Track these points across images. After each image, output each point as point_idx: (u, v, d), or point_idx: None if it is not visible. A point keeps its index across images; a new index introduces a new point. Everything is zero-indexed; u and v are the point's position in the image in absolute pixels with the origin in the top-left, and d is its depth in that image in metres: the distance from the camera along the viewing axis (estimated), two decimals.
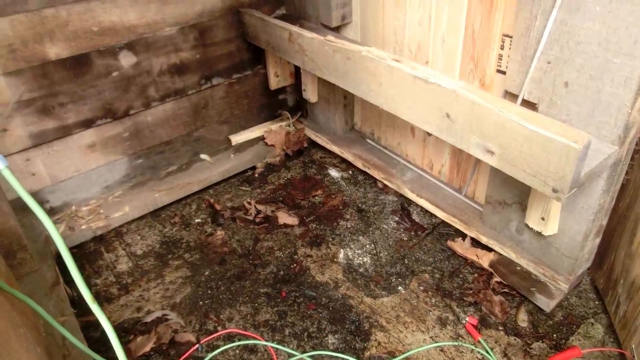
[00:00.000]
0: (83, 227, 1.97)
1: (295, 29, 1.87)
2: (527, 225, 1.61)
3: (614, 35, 1.20)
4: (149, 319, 1.66)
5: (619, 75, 1.23)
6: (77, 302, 1.67)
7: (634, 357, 1.41)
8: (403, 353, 1.53)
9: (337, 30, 2.08)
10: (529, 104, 1.45)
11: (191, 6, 2.01)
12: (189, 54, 2.09)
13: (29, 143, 1.83)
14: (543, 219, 1.53)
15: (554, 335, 1.58)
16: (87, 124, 1.94)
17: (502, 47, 1.56)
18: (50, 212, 1.98)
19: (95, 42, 1.84)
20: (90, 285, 1.80)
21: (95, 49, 1.84)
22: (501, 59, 1.58)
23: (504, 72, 1.58)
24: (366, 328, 1.62)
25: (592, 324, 1.61)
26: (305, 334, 1.60)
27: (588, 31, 1.24)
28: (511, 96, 1.50)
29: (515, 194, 1.63)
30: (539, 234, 1.59)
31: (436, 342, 1.57)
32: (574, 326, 1.60)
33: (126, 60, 1.93)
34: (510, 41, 1.50)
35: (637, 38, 1.16)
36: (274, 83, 2.35)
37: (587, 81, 1.30)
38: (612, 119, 1.29)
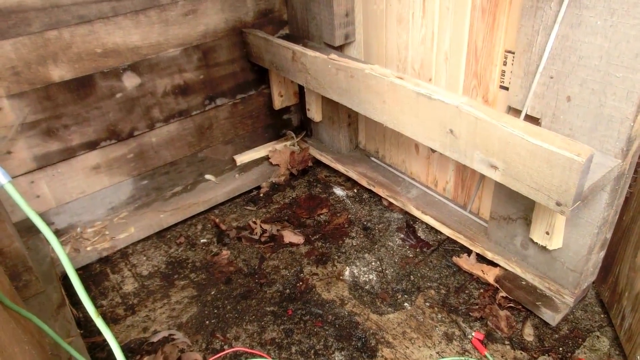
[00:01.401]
0: (88, 248, 1.97)
1: (298, 48, 1.90)
2: (531, 240, 1.61)
3: (616, 49, 1.22)
4: (155, 338, 1.65)
5: (621, 89, 1.25)
6: (83, 324, 1.66)
7: None
8: None
9: (340, 49, 2.11)
10: (532, 119, 1.47)
11: (194, 27, 2.04)
12: (192, 75, 2.11)
13: (33, 165, 1.84)
14: (548, 233, 1.53)
15: (560, 348, 1.57)
16: (92, 145, 1.95)
17: (504, 64, 1.58)
18: (56, 234, 1.98)
19: (99, 63, 1.86)
20: (96, 307, 1.79)
21: (99, 71, 1.87)
22: (504, 75, 1.60)
23: (507, 88, 1.60)
24: (373, 344, 1.61)
25: (598, 337, 1.60)
26: (312, 352, 1.59)
27: (590, 45, 1.26)
28: (514, 112, 1.52)
29: (520, 209, 1.63)
30: (543, 248, 1.59)
31: (443, 358, 1.56)
32: (580, 339, 1.60)
33: (130, 81, 1.96)
34: (513, 57, 1.52)
35: (638, 51, 1.18)
36: (278, 103, 2.37)
37: (590, 95, 1.31)
38: (615, 132, 1.31)
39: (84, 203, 2.03)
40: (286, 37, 2.21)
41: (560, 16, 1.29)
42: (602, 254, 1.63)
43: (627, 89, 1.24)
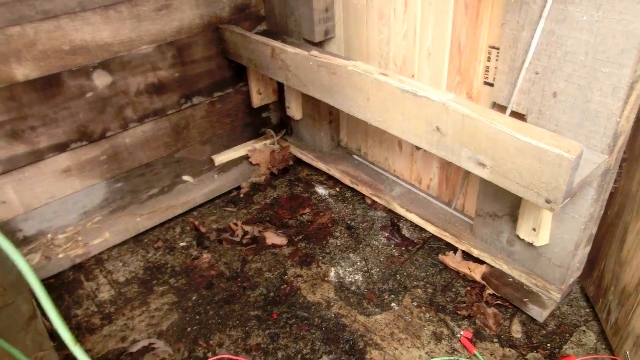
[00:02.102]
0: (60, 255, 1.88)
1: (278, 44, 1.84)
2: (518, 237, 1.60)
3: (602, 44, 1.21)
4: (134, 348, 1.58)
5: (607, 85, 1.24)
6: (56, 335, 1.58)
7: None
8: None
9: (320, 45, 2.06)
10: (517, 115, 1.45)
11: (168, 23, 1.96)
12: (167, 73, 2.04)
13: None
14: (534, 229, 1.52)
15: (548, 344, 1.57)
16: (61, 147, 1.86)
17: (488, 59, 1.56)
18: (24, 241, 1.89)
19: (67, 61, 1.76)
20: (70, 317, 1.71)
21: (67, 69, 1.77)
22: (488, 71, 1.58)
23: (491, 84, 1.58)
24: (361, 347, 1.58)
25: (584, 331, 1.61)
26: (299, 356, 1.55)
27: (575, 41, 1.25)
28: (499, 108, 1.50)
29: (506, 206, 1.62)
30: (530, 244, 1.58)
31: (432, 358, 1.54)
32: (567, 335, 1.60)
33: (101, 80, 1.87)
34: (497, 53, 1.50)
35: (624, 47, 1.17)
36: (257, 101, 2.32)
37: (576, 91, 1.30)
38: (602, 128, 1.30)
39: (54, 208, 1.93)
40: (264, 33, 2.15)
41: (545, 11, 1.27)
42: (588, 249, 1.63)
43: (613, 85, 1.23)
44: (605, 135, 1.31)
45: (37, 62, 1.71)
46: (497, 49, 1.50)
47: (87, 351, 1.60)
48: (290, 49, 1.79)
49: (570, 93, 1.32)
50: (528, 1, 1.31)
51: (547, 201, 1.25)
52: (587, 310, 1.68)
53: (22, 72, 1.69)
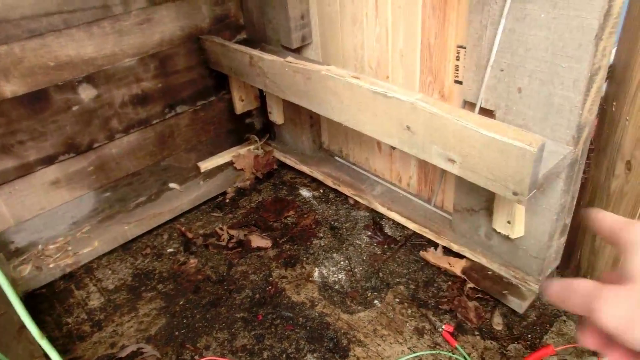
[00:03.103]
0: (51, 265, 1.92)
1: (255, 52, 1.89)
2: (495, 230, 1.64)
3: (560, 40, 1.25)
4: (123, 354, 1.62)
5: (568, 79, 1.28)
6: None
7: None
8: None
9: (298, 51, 2.11)
10: (486, 112, 1.49)
11: (150, 36, 2.01)
12: (150, 84, 2.08)
13: None
14: (509, 222, 1.56)
15: (529, 335, 1.60)
16: (50, 160, 1.90)
17: (457, 58, 1.61)
18: (16, 252, 1.93)
19: (53, 77, 1.81)
20: (62, 325, 1.75)
21: (53, 84, 1.82)
22: (457, 70, 1.63)
23: (461, 82, 1.62)
24: (344, 344, 1.61)
25: (565, 321, 1.64)
26: (284, 356, 1.59)
27: (535, 38, 1.30)
28: (470, 105, 1.55)
29: (482, 200, 1.66)
30: (506, 237, 1.62)
31: (414, 353, 1.57)
32: (547, 325, 1.63)
33: (86, 93, 1.92)
34: (465, 52, 1.55)
35: (581, 42, 1.22)
36: (240, 107, 2.36)
37: (539, 86, 1.35)
38: (565, 120, 1.34)
39: (44, 219, 1.98)
40: (244, 42, 2.20)
41: (505, 10, 1.32)
42: (563, 239, 1.67)
43: (573, 78, 1.27)
44: (569, 128, 1.35)
45: (25, 79, 1.75)
46: (464, 48, 1.55)
47: (77, 359, 1.64)
48: (267, 56, 1.84)
49: (534, 88, 1.36)
50: (489, 1, 1.35)
51: (515, 193, 1.28)
52: None
53: (10, 89, 1.73)
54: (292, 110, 2.28)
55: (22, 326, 1.61)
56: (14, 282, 1.75)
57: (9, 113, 1.75)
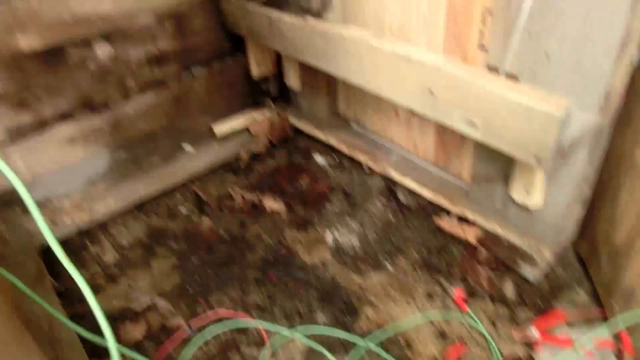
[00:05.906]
0: (66, 220, 1.94)
1: (275, 14, 1.86)
2: (511, 199, 1.63)
3: (594, 4, 1.22)
4: (138, 307, 1.64)
5: (599, 45, 1.25)
6: (64, 294, 1.64)
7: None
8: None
9: (318, 14, 2.07)
10: (511, 77, 1.46)
11: None
12: (167, 44, 2.06)
13: (5, 138, 1.79)
14: (527, 191, 1.55)
15: (541, 303, 1.61)
16: (66, 117, 1.90)
17: (483, 23, 1.57)
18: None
19: (70, 33, 1.80)
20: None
21: (70, 41, 1.81)
22: (483, 34, 1.59)
23: (485, 47, 1.59)
24: (356, 305, 1.63)
25: (577, 291, 1.64)
26: (296, 313, 1.61)
27: (568, 1, 1.26)
28: (494, 70, 1.52)
29: (500, 168, 1.65)
30: (523, 206, 1.61)
31: (425, 315, 1.58)
32: (559, 293, 1.63)
33: (102, 51, 1.90)
34: (491, 16, 1.51)
35: (615, 8, 1.18)
36: (256, 71, 2.34)
37: (568, 51, 1.31)
38: (594, 88, 1.31)
39: (60, 176, 1.98)
40: (264, 4, 2.16)
41: None
42: (582, 211, 1.65)
43: (605, 45, 1.24)
44: (597, 96, 1.32)
45: (41, 34, 1.74)
46: (491, 11, 1.51)
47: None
48: (287, 18, 1.81)
49: (563, 53, 1.33)
50: None
51: (537, 159, 1.27)
52: (580, 271, 1.71)
53: (27, 43, 1.72)
54: (310, 75, 2.25)
55: (40, 277, 1.64)
56: (30, 235, 1.76)
57: (26, 68, 1.75)
